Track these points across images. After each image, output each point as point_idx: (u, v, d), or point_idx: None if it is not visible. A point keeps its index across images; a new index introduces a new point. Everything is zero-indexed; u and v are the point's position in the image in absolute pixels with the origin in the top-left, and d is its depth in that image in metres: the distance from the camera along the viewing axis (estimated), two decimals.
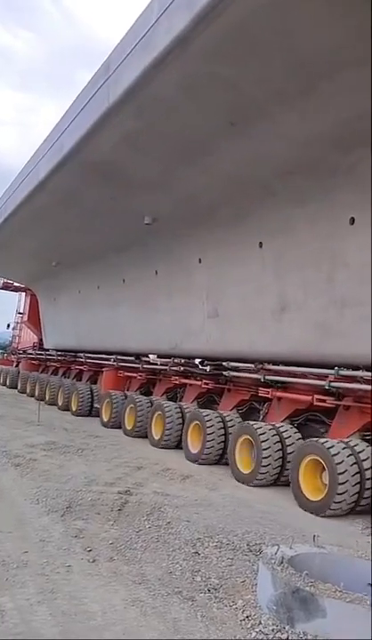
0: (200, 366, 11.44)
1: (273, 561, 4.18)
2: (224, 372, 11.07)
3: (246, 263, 10.06)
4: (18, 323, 29.52)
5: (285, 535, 5.84)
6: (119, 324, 15.74)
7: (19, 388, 24.00)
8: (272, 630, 3.74)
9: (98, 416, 15.41)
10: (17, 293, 28.94)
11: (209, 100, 7.34)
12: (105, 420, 14.67)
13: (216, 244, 10.89)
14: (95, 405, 16.32)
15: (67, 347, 20.67)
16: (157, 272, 13.27)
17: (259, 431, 8.90)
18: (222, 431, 10.22)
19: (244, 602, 4.20)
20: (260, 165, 8.49)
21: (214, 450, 10.16)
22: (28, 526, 5.81)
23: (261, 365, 9.91)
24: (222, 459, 10.16)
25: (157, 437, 11.81)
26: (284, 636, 3.66)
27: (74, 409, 16.85)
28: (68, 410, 17.25)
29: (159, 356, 13.54)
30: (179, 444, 11.29)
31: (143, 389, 14.89)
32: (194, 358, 12.07)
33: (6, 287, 28.42)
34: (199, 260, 11.48)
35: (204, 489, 8.24)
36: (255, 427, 9.06)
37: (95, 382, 17.87)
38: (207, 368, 11.31)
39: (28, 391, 22.42)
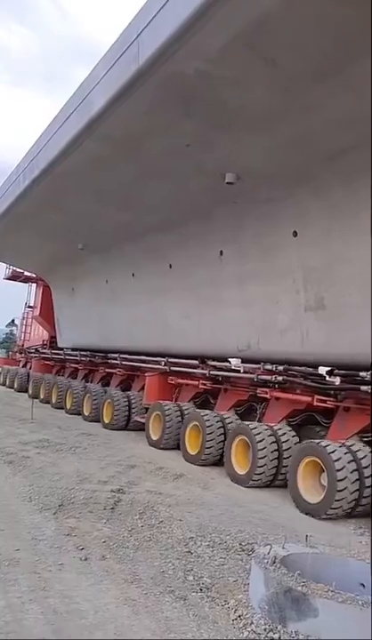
0: (328, 377, 8.10)
1: (266, 560, 4.18)
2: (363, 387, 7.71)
3: None
4: (25, 318, 26.37)
5: (277, 535, 5.85)
6: (162, 320, 12.78)
7: (30, 392, 20.55)
8: (264, 630, 3.74)
9: (137, 430, 13.27)
10: (26, 285, 25.60)
11: None
12: (154, 438, 11.70)
13: (326, 209, 8.04)
14: (135, 419, 13.53)
15: (86, 345, 17.79)
16: (222, 253, 10.45)
17: None
18: (356, 475, 7.32)
19: (236, 601, 4.20)
20: None
21: (345, 502, 7.24)
22: (20, 524, 5.78)
23: None
24: (353, 511, 7.45)
25: (241, 472, 8.92)
26: (276, 636, 3.66)
27: (106, 421, 14.03)
28: (97, 421, 14.54)
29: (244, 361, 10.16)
30: (273, 483, 8.78)
31: (199, 400, 12.03)
32: (274, 363, 9.27)
33: (15, 277, 25.10)
34: (294, 232, 8.64)
35: (197, 488, 8.24)
36: None
37: (127, 389, 15.19)
38: (337, 380, 8.02)
39: (41, 396, 19.24)
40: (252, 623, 3.84)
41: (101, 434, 12.84)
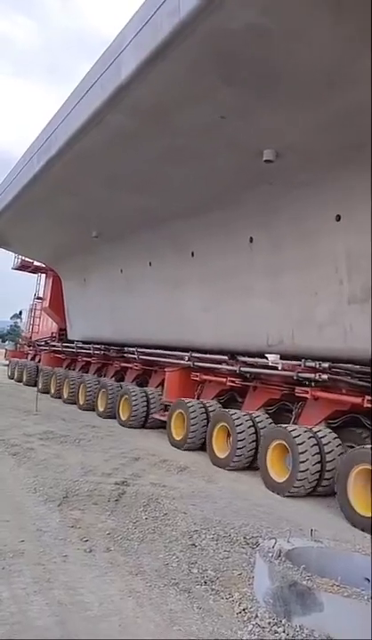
0: None
1: (270, 554, 4.18)
2: None
3: None
4: (34, 309, 25.59)
5: (281, 528, 5.85)
6: (181, 312, 12.07)
7: (39, 386, 19.09)
8: (269, 623, 3.74)
9: (156, 428, 12.76)
10: (34, 275, 24.90)
11: None
12: (177, 438, 10.98)
13: None
14: (154, 416, 12.81)
15: (98, 338, 17.12)
16: (251, 239, 9.70)
17: None
18: None
19: (240, 594, 4.20)
20: None
21: None
22: (25, 515, 5.80)
23: None
24: None
25: (280, 480, 8.11)
26: (280, 630, 3.65)
27: (123, 418, 13.29)
28: (112, 418, 13.93)
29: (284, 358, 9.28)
30: (315, 491, 7.98)
31: (224, 398, 11.26)
32: (315, 359, 8.48)
33: (25, 267, 24.34)
34: (338, 217, 7.91)
35: (201, 481, 8.24)
36: None
37: (142, 384, 14.63)
38: None
39: (52, 391, 18.74)
40: (256, 617, 3.84)
41: (105, 426, 12.84)
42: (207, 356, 11.51)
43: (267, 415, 9.72)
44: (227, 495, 7.48)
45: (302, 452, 7.79)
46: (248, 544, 5.38)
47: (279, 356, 9.16)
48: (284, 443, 8.16)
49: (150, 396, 13.18)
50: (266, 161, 7.77)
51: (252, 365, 10.08)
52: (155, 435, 12.25)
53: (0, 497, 6.43)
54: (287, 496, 7.82)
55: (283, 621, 3.72)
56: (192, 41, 5.97)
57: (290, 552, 4.29)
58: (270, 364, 9.28)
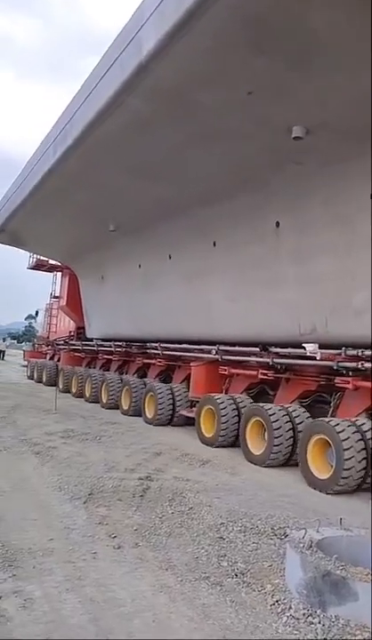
0: None
1: (301, 545, 4.14)
2: None
3: None
4: (51, 308, 25.56)
5: (308, 518, 5.81)
6: (203, 305, 11.73)
7: (60, 386, 18.94)
8: (303, 614, 3.70)
9: (182, 426, 12.45)
10: (51, 274, 24.81)
11: None
12: (207, 436, 10.54)
13: None
14: (181, 413, 12.44)
15: (117, 335, 16.87)
16: (278, 224, 9.37)
17: None
18: None
19: (273, 586, 4.17)
20: None
21: None
22: (52, 514, 5.81)
23: None
24: None
25: (322, 476, 7.70)
26: (315, 620, 3.62)
27: (149, 416, 12.96)
28: (137, 416, 13.63)
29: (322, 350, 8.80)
30: (361, 487, 7.61)
31: (253, 392, 10.90)
32: (350, 347, 8.22)
33: (41, 266, 24.33)
34: None
35: (224, 474, 8.22)
36: None
37: (166, 380, 14.39)
38: None
39: (74, 390, 18.15)
40: (290, 608, 3.81)
41: (126, 423, 12.86)
42: (236, 348, 11.06)
43: (304, 408, 9.30)
44: (251, 487, 7.45)
45: (346, 449, 7.35)
46: (276, 535, 5.36)
47: (317, 346, 8.71)
48: (325, 437, 7.76)
49: (176, 393, 12.80)
50: (295, 138, 7.27)
51: (285, 356, 9.66)
52: (176, 430, 12.24)
53: (26, 496, 6.46)
54: (332, 493, 7.43)
55: (318, 612, 3.69)
56: (219, 7, 5.52)
57: (320, 542, 4.25)
58: (307, 353, 8.81)
